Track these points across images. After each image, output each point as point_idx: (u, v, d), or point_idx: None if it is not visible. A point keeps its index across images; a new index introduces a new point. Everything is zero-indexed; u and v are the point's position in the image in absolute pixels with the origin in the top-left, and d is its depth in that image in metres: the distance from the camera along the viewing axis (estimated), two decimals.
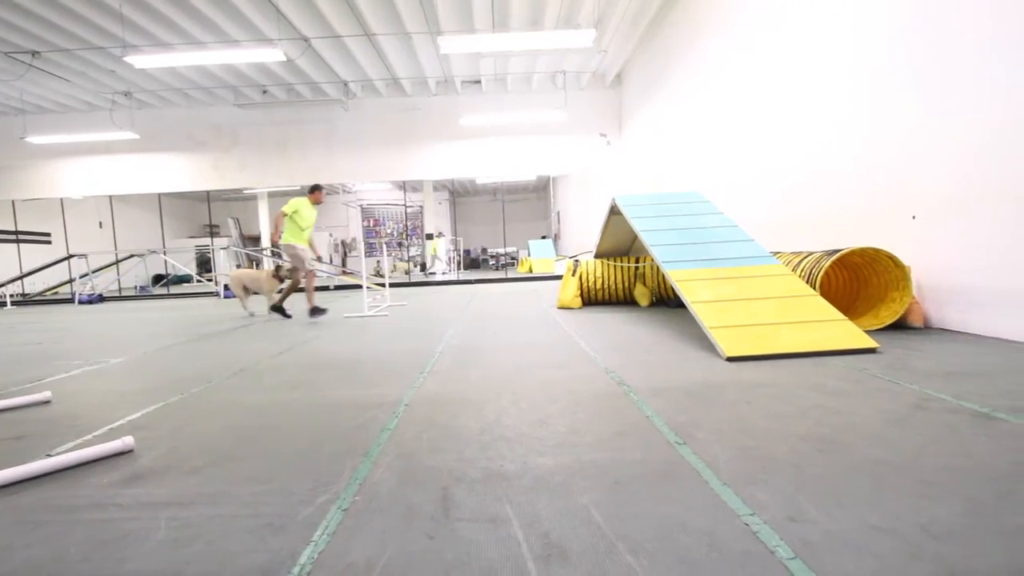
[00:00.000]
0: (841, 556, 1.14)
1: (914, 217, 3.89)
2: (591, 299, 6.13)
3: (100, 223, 16.89)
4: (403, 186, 17.77)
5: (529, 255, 17.43)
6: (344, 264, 21.57)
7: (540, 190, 25.48)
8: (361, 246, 7.72)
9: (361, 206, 23.48)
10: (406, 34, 9.79)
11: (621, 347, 3.61)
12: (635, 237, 5.66)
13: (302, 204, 6.08)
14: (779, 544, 1.19)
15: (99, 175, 13.49)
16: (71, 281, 13.03)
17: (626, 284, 6.02)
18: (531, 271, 16.03)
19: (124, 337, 5.40)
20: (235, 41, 9.59)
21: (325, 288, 12.40)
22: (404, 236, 22.92)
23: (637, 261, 6.03)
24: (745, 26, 6.40)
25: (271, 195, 18.34)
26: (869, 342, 3.06)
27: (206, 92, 12.56)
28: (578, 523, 1.32)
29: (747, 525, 1.28)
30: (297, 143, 13.40)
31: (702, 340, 3.54)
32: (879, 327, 3.69)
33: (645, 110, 10.87)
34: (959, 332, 3.60)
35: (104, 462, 1.86)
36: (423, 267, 20.62)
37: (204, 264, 19.02)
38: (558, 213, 22.53)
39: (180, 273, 16.22)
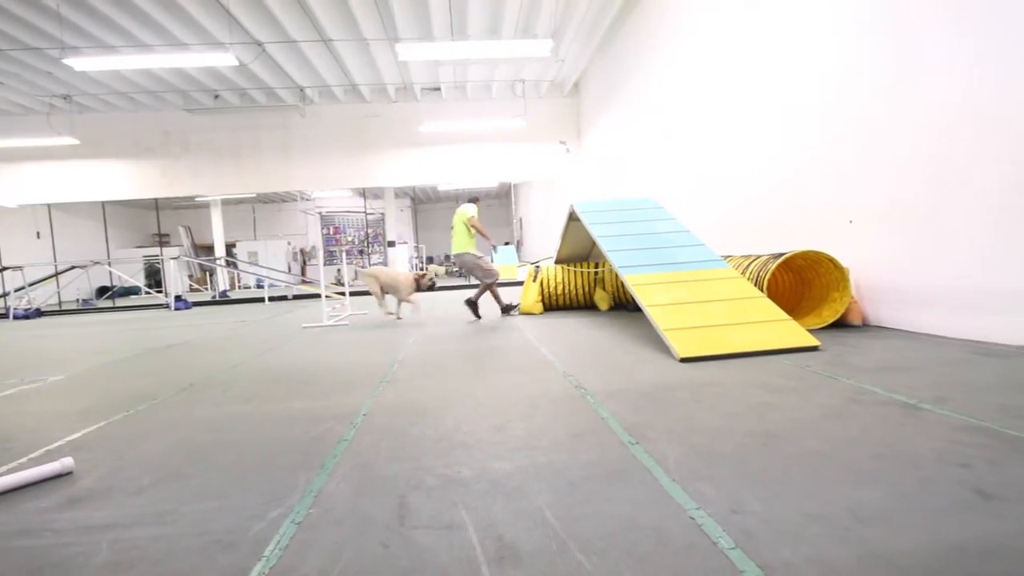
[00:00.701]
0: (777, 544, 1.21)
1: (851, 222, 4.13)
2: (552, 304, 6.21)
3: (38, 233, 15.95)
4: (363, 193, 17.51)
5: (492, 261, 17.45)
6: (303, 273, 21.08)
7: (502, 196, 25.61)
8: (321, 254, 7.50)
9: (320, 214, 23.01)
10: (363, 40, 9.71)
11: (580, 351, 3.67)
12: (594, 243, 5.77)
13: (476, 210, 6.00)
14: (721, 535, 1.25)
15: (36, 182, 12.76)
16: (4, 295, 12.23)
17: (586, 289, 6.13)
18: None
19: (64, 353, 5.12)
20: (184, 44, 9.29)
21: (283, 298, 12.09)
22: (366, 244, 22.59)
23: (596, 266, 6.15)
24: (695, 39, 6.66)
25: (225, 203, 17.77)
26: (812, 340, 3.23)
27: (153, 96, 12.09)
28: (532, 525, 1.35)
29: (692, 519, 1.33)
30: (252, 150, 13.05)
31: (658, 342, 3.65)
32: (822, 326, 3.89)
33: (602, 118, 11.11)
34: (893, 329, 3.83)
35: (41, 486, 1.77)
36: None
37: (153, 275, 18.21)
38: (520, 219, 22.69)
39: (127, 285, 15.47)
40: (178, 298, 10.81)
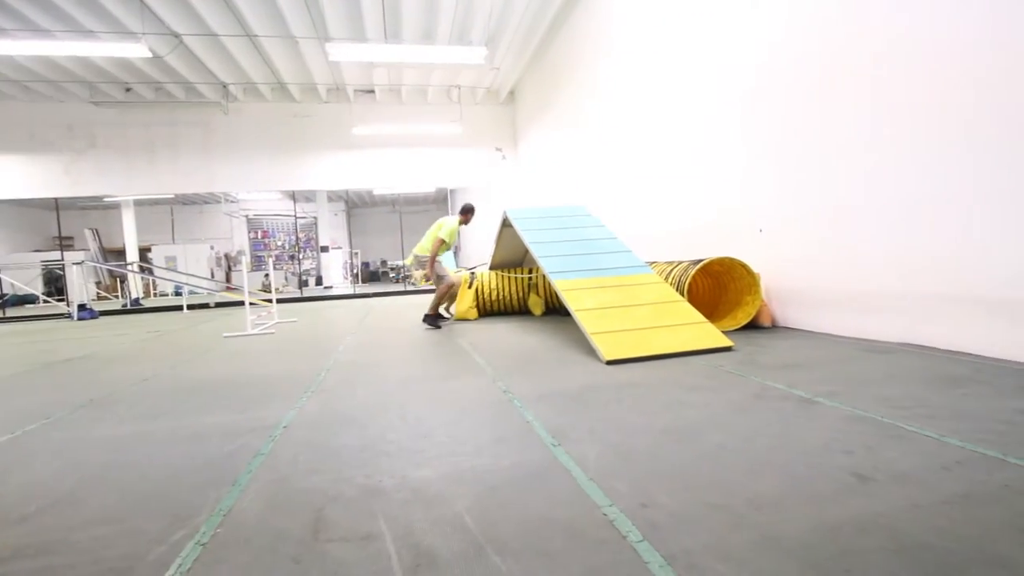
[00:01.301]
0: (681, 534, 1.28)
1: (761, 230, 4.45)
2: (487, 310, 6.24)
3: None
4: (294, 196, 16.84)
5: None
6: (227, 279, 19.92)
7: (439, 202, 25.41)
8: (246, 259, 7.12)
9: (247, 217, 21.88)
10: (292, 38, 9.37)
11: (511, 356, 3.72)
12: (527, 249, 5.86)
13: (454, 226, 5.54)
14: (631, 529, 1.31)
15: None
16: None
17: (520, 294, 6.21)
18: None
19: None
20: (89, 32, 8.57)
21: (205, 306, 11.37)
22: (297, 249, 21.70)
23: (530, 272, 6.24)
24: (622, 55, 6.94)
25: (139, 204, 16.51)
26: (726, 341, 3.44)
27: (53, 86, 11.06)
28: (450, 530, 1.35)
29: (605, 515, 1.39)
30: (168, 147, 12.22)
31: (586, 346, 3.76)
32: (736, 327, 4.16)
33: (537, 127, 11.32)
34: (798, 329, 4.16)
35: None
36: (319, 280, 19.65)
37: (54, 282, 16.58)
38: None
39: (21, 293, 13.99)
40: (82, 307, 9.90)
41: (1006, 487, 1.43)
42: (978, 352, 2.93)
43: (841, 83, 3.64)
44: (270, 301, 7.84)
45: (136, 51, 7.54)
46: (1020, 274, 2.70)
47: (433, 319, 5.52)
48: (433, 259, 5.49)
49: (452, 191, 22.18)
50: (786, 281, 4.27)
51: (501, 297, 6.17)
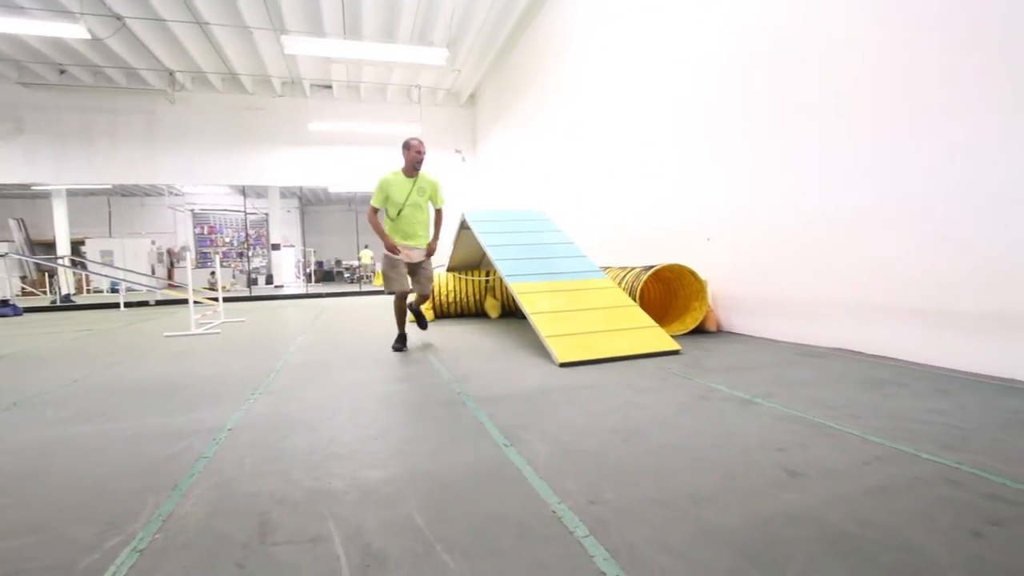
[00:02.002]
0: (625, 528, 1.33)
1: (709, 239, 4.64)
2: (444, 312, 6.21)
3: None
4: (244, 191, 16.22)
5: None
6: (170, 276, 18.95)
7: None
8: (190, 255, 6.79)
9: (192, 211, 20.88)
10: (245, 28, 9.07)
11: (467, 358, 3.73)
12: (485, 251, 5.89)
13: (392, 183, 4.12)
14: (578, 525, 1.35)
15: None
16: None
17: (477, 297, 6.22)
18: None
19: None
20: (19, 7, 8.01)
21: (144, 304, 10.78)
22: (246, 246, 20.88)
23: (487, 275, 6.27)
24: (582, 64, 7.09)
25: (72, 194, 15.47)
26: (674, 345, 3.57)
27: None
28: (401, 530, 1.36)
29: (554, 512, 1.43)
30: (107, 135, 11.56)
31: (541, 348, 3.81)
32: (684, 332, 4.32)
33: (497, 130, 11.38)
34: (741, 334, 4.36)
35: None
36: (269, 279, 18.97)
37: None
38: None
39: None
40: (4, 303, 9.19)
41: (917, 479, 1.56)
42: (899, 357, 3.16)
43: (790, 107, 3.86)
44: (216, 300, 7.53)
45: (73, 31, 7.10)
46: (932, 286, 2.94)
47: (400, 341, 4.12)
48: (383, 239, 4.08)
49: None
50: (731, 288, 4.47)
51: (458, 299, 6.16)
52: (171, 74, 10.99)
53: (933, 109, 2.91)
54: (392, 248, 4.07)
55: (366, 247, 20.16)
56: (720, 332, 4.52)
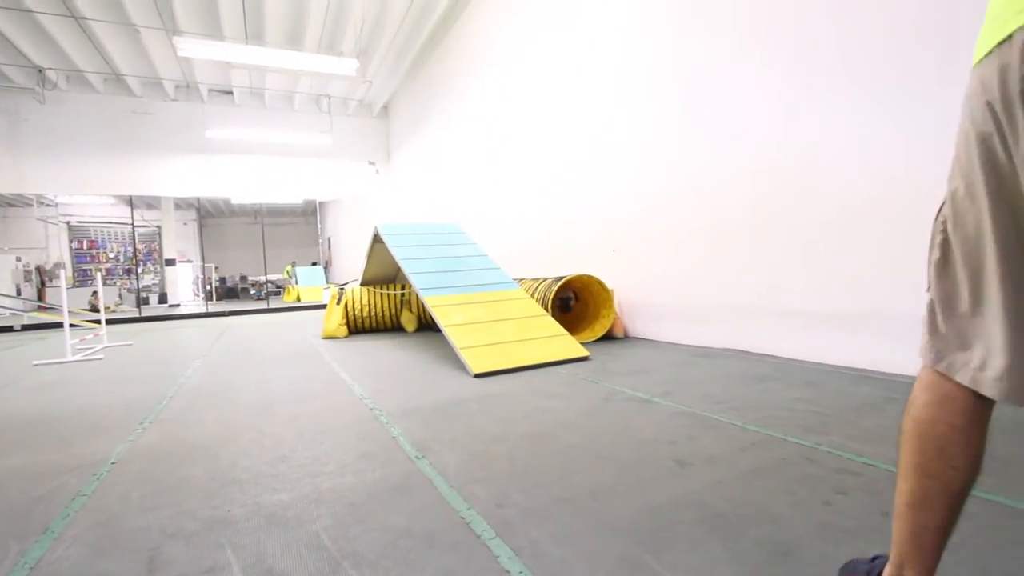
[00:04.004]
0: (530, 527, 1.40)
1: (614, 250, 4.93)
2: (359, 327, 6.06)
3: None
4: (131, 202, 14.79)
5: (297, 283, 16.27)
6: (40, 297, 16.77)
7: (308, 214, 24.04)
8: (64, 273, 6.07)
9: (68, 224, 18.68)
10: (130, 26, 8.36)
11: (380, 373, 3.67)
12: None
13: None
14: (485, 528, 1.40)
15: None
16: None
17: (393, 311, 6.13)
18: (299, 300, 14.96)
19: None
20: None
21: (8, 329, 9.47)
22: (134, 262, 18.98)
23: (403, 288, 6.20)
24: (492, 80, 7.28)
25: None
26: (583, 352, 3.75)
27: None
28: (306, 551, 1.33)
29: (463, 518, 1.47)
30: None
31: (456, 360, 3.84)
32: (594, 339, 4.54)
33: (412, 143, 11.32)
34: (646, 339, 4.66)
35: None
36: (163, 298, 17.37)
37: None
38: (329, 239, 21.58)
39: None
40: None
41: (783, 460, 1.78)
42: (778, 354, 3.54)
43: (689, 128, 4.22)
44: (98, 322, 6.80)
45: None
46: (805, 290, 3.34)
47: None
48: None
49: (321, 204, 21.16)
50: (636, 296, 4.77)
51: (373, 314, 6.04)
52: (40, 71, 9.84)
53: (803, 129, 3.33)
54: None
55: (292, 264, 19.24)
56: (627, 338, 4.79)
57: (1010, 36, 0.67)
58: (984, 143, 0.72)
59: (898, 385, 2.63)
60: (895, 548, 0.87)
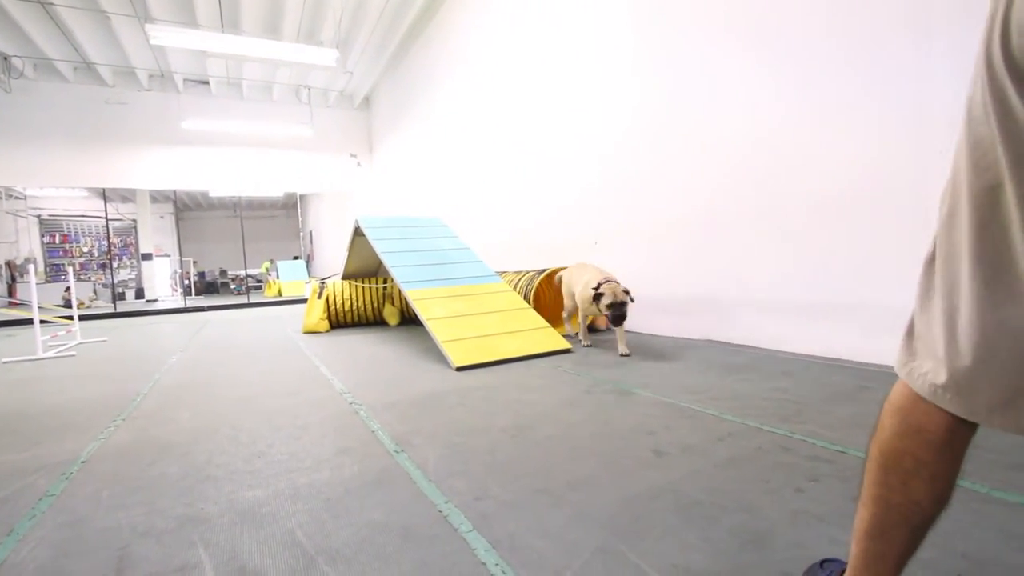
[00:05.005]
0: (507, 519, 1.40)
1: (596, 243, 4.94)
2: (340, 322, 6.00)
3: None
4: (104, 195, 14.40)
5: (278, 277, 16.04)
6: (11, 293, 16.29)
7: (290, 207, 23.69)
8: (34, 268, 5.89)
9: (39, 217, 18.15)
10: (100, 12, 8.10)
11: (361, 367, 3.64)
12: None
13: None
14: (463, 522, 1.40)
15: None
16: None
17: (375, 305, 6.08)
18: (280, 294, 14.76)
19: None
20: None
21: None
22: (109, 256, 18.52)
23: (385, 282, 6.15)
24: (475, 69, 7.21)
25: None
26: (565, 344, 3.76)
27: None
28: (280, 548, 1.32)
29: (441, 512, 1.46)
30: None
31: (438, 354, 3.82)
32: (576, 331, 4.55)
33: (394, 135, 11.20)
34: (628, 331, 4.68)
35: None
36: (140, 293, 17.00)
37: None
38: (310, 232, 21.30)
39: None
40: None
41: (759, 449, 1.80)
42: (756, 344, 3.59)
43: (665, 122, 4.23)
44: (70, 318, 6.63)
45: None
46: (782, 281, 3.38)
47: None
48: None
49: (302, 197, 20.87)
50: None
51: (355, 308, 5.98)
52: (5, 59, 9.51)
53: (765, 124, 3.36)
54: None
55: (271, 261, 18.92)
56: (609, 330, 4.81)
57: None
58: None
59: (871, 374, 2.68)
60: (851, 569, 0.83)
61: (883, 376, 2.58)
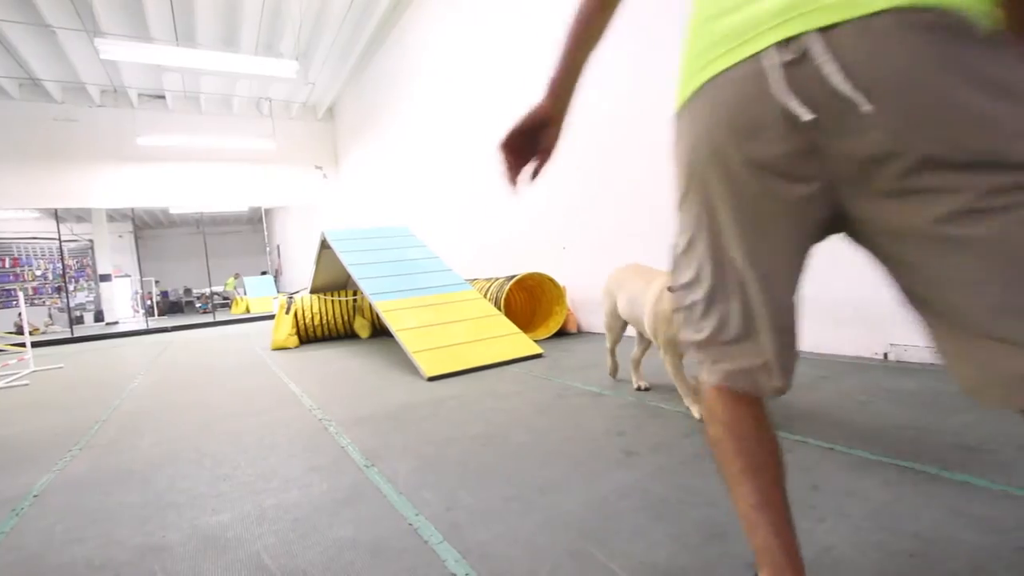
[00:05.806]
0: (478, 529, 1.40)
1: (564, 248, 4.99)
2: (310, 336, 5.89)
3: None
4: (57, 215, 13.83)
5: (245, 293, 15.66)
6: None
7: (255, 222, 23.19)
8: None
9: None
10: (46, 27, 7.82)
11: (331, 382, 3.58)
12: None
13: None
14: (433, 533, 1.39)
15: None
16: None
17: (345, 318, 5.99)
18: (248, 311, 14.41)
19: None
20: None
21: None
22: (64, 279, 17.75)
23: (355, 295, 6.07)
24: (438, 77, 7.22)
25: None
26: (537, 349, 3.78)
27: None
28: (245, 572, 1.29)
29: (411, 525, 1.45)
30: None
31: (409, 365, 3.79)
32: (548, 335, 4.58)
33: (360, 146, 11.09)
34: (599, 333, 4.74)
35: None
36: (99, 316, 16.33)
37: None
38: (278, 247, 20.89)
39: None
40: None
41: None
42: None
43: (628, 128, 4.31)
44: (23, 345, 6.33)
45: None
46: None
47: None
48: None
49: (268, 211, 20.48)
50: (587, 292, 4.84)
51: (324, 322, 5.88)
52: None
53: None
54: None
55: (236, 276, 18.44)
56: (580, 333, 4.86)
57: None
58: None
59: (829, 364, 2.77)
60: (757, 554, 0.85)
61: (842, 366, 2.67)
